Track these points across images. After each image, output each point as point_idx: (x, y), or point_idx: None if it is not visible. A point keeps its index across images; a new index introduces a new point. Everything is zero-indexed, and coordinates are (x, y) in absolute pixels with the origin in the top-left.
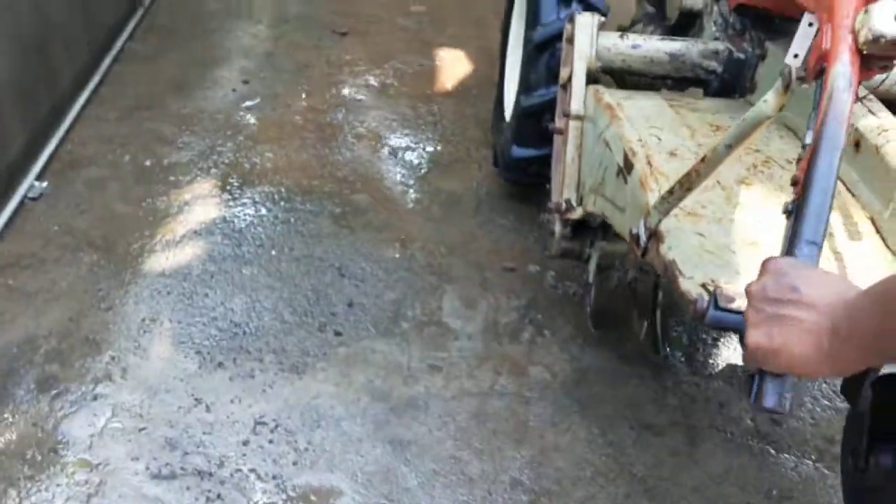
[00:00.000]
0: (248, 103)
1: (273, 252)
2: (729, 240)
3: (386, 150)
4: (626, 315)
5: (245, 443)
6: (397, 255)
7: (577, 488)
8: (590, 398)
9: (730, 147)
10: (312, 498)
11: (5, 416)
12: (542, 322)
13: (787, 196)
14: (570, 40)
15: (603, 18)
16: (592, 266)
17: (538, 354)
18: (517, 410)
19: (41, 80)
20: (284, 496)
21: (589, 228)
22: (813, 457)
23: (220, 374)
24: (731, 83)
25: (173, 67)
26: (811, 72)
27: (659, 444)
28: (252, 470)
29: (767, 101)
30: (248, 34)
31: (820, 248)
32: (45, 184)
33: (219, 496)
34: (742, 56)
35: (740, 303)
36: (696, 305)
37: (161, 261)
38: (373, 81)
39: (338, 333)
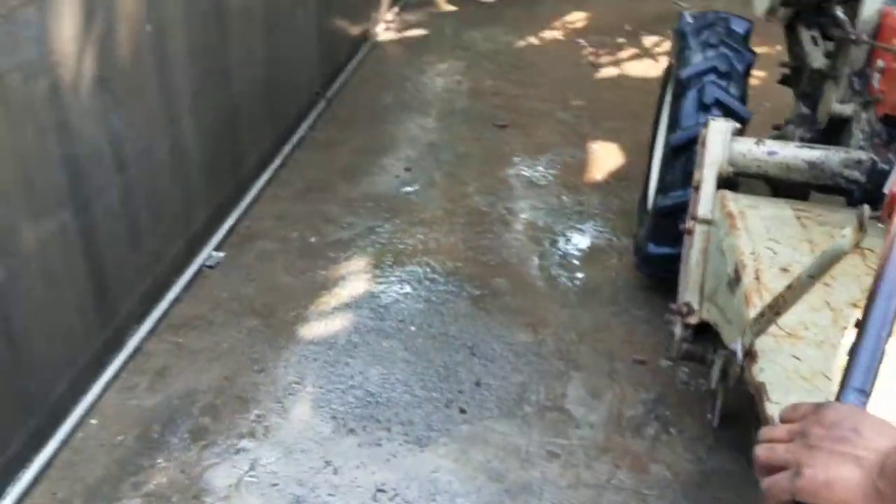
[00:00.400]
0: (408, 189)
1: (412, 328)
2: (826, 366)
3: (529, 237)
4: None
5: None
6: (529, 339)
7: None
8: (712, 503)
9: (812, 278)
10: None
11: (159, 461)
12: (669, 419)
13: None
14: (704, 144)
15: (739, 126)
16: (716, 372)
17: (661, 452)
18: None
19: (228, 163)
20: None
21: (712, 332)
22: None
23: (350, 440)
24: (875, 194)
25: (346, 155)
26: (884, 211)
27: None
28: None
29: (845, 236)
30: (416, 126)
31: (868, 395)
32: (222, 254)
33: None
34: (886, 167)
35: None
36: None
37: (312, 329)
38: (525, 172)
39: (462, 411)
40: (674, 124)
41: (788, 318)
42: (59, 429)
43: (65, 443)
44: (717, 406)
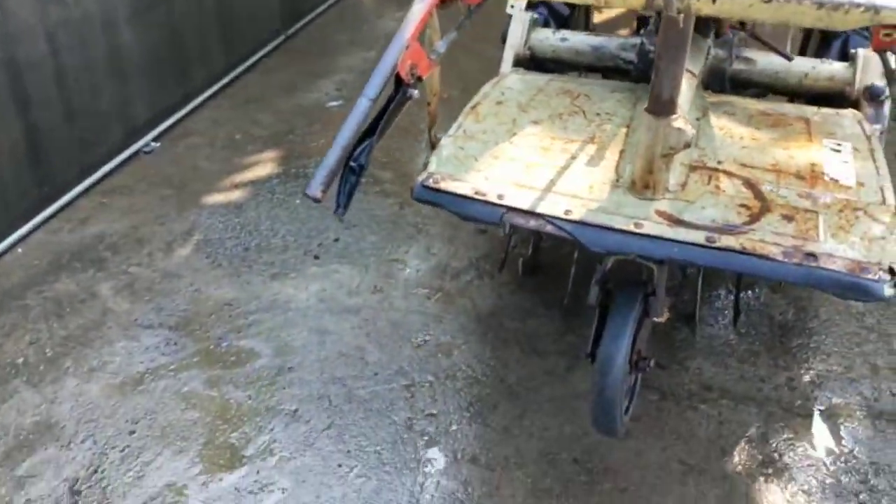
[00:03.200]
0: (332, 103)
1: (297, 202)
2: (478, 154)
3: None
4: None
5: None
6: (392, 212)
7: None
8: (496, 328)
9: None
10: None
11: (62, 277)
12: (487, 270)
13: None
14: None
15: (537, 16)
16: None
17: (470, 290)
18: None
19: (172, 74)
20: None
21: None
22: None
23: (217, 271)
24: (646, 72)
25: (290, 77)
26: None
27: (538, 364)
28: None
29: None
30: (359, 58)
31: None
32: (158, 144)
33: None
34: (651, 48)
35: (445, 185)
36: (414, 183)
37: (213, 199)
38: None
39: (316, 257)
40: None
41: (477, 126)
42: None
43: None
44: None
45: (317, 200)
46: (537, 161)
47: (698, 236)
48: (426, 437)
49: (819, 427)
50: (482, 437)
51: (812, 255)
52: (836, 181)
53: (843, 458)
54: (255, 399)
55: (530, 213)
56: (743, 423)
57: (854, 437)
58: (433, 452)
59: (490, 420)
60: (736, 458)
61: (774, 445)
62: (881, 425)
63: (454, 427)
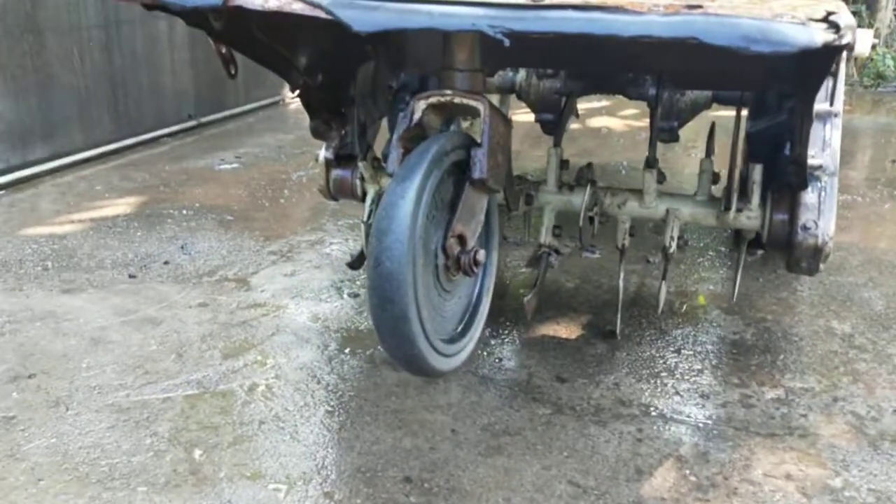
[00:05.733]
0: (223, 167)
1: None
2: None
3: None
4: None
5: None
6: None
7: None
8: (340, 340)
9: None
10: None
11: None
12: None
13: None
14: None
15: None
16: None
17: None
18: None
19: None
20: None
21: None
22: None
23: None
24: None
25: (188, 150)
26: None
27: (384, 375)
28: None
29: None
30: (273, 138)
31: None
32: (2, 192)
33: None
34: None
35: None
36: None
37: (37, 230)
38: None
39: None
40: None
41: None
42: None
43: None
44: None
45: None
46: None
47: None
48: (201, 452)
49: (791, 448)
50: (279, 451)
51: (697, 7)
52: None
53: (826, 486)
54: None
55: None
56: (672, 440)
57: (843, 462)
58: (208, 470)
59: (300, 432)
60: (658, 480)
61: (719, 468)
62: (884, 447)
63: (242, 444)
